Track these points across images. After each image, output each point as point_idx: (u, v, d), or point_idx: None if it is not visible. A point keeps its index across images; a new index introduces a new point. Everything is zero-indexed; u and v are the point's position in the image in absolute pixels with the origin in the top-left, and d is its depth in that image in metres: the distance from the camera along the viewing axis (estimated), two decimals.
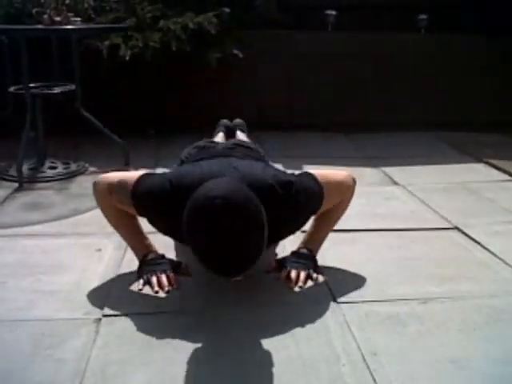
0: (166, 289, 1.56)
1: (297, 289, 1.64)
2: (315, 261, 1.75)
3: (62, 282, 1.76)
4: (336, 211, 1.79)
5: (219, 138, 2.54)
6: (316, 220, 1.80)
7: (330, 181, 1.71)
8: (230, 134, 2.58)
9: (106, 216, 1.76)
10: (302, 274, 1.66)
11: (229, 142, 2.15)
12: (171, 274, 1.60)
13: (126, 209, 1.68)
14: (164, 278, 1.58)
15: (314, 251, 1.76)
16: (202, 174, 1.55)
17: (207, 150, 1.94)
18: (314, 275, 1.68)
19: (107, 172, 1.76)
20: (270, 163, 2.01)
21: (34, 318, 1.56)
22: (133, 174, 1.68)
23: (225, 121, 2.76)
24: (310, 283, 1.67)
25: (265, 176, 1.60)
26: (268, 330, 1.51)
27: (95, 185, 1.74)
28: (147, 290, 1.58)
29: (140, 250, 1.72)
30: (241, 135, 2.60)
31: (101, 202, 1.74)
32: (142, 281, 1.61)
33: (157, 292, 1.56)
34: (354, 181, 1.80)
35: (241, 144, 2.08)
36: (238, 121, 2.80)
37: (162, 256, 1.70)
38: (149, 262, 1.66)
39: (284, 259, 1.75)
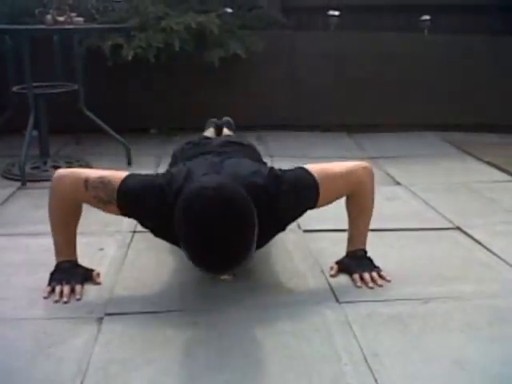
0: (65, 299, 1.64)
1: (371, 285, 1.74)
2: (371, 259, 1.83)
3: None
4: (363, 200, 1.79)
5: (209, 133, 2.61)
6: (349, 216, 1.81)
7: (329, 174, 1.70)
8: (218, 130, 2.67)
9: (56, 210, 1.70)
10: (374, 274, 1.78)
11: (222, 139, 2.16)
12: (77, 286, 1.68)
13: (98, 206, 1.64)
14: (66, 290, 1.66)
15: (364, 249, 1.83)
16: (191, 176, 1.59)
17: (202, 147, 2.01)
18: (383, 273, 1.79)
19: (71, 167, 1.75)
20: (264, 159, 2.07)
21: (36, 317, 1.57)
22: (114, 173, 1.65)
23: (213, 119, 2.81)
24: (380, 282, 1.76)
25: (253, 176, 1.62)
26: (270, 330, 1.51)
27: (62, 177, 1.67)
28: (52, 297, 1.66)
29: (62, 255, 1.73)
30: (227, 132, 2.66)
31: (63, 196, 1.67)
32: (49, 288, 1.68)
33: (56, 301, 1.63)
34: (366, 167, 1.77)
35: (234, 141, 2.13)
36: (225, 119, 2.87)
37: (76, 265, 1.75)
38: (61, 270, 1.71)
39: (345, 263, 1.83)
